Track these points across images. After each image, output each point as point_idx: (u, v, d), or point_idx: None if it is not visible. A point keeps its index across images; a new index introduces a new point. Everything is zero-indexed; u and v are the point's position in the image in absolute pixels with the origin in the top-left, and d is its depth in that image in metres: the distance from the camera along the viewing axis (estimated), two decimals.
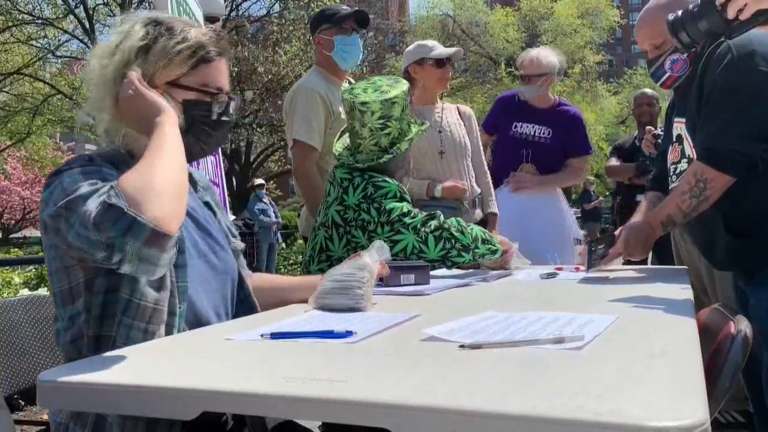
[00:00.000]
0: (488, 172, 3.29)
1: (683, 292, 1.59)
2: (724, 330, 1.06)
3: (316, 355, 0.97)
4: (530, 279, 2.02)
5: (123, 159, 1.28)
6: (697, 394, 0.70)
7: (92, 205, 1.04)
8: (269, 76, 16.81)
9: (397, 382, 0.80)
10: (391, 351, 1.00)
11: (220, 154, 3.85)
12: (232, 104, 1.41)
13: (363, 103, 2.13)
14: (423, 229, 2.00)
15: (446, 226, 2.01)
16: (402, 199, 2.07)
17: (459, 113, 3.25)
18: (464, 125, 3.21)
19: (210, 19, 7.93)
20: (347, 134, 2.26)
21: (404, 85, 2.21)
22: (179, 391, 0.80)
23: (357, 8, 3.10)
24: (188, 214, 1.39)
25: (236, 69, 16.68)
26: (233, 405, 0.78)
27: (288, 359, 0.96)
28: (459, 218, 2.10)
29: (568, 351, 0.91)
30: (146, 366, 0.95)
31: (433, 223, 2.02)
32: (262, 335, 1.09)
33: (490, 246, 2.07)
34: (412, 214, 2.03)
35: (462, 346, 0.95)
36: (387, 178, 2.10)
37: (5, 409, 0.82)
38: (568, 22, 30.22)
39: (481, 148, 3.31)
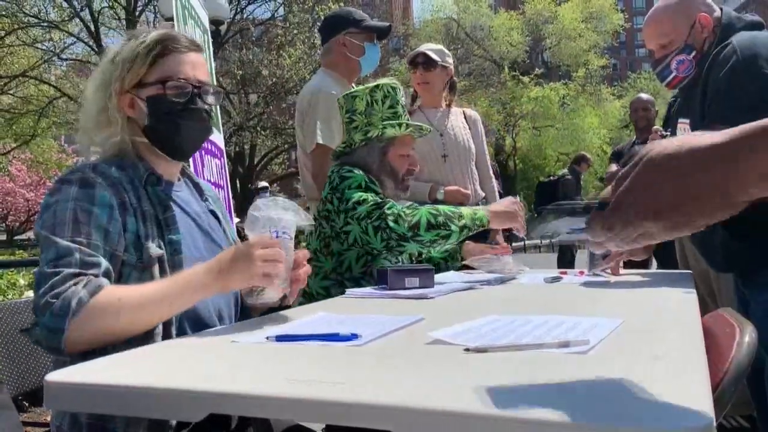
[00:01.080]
0: (493, 176, 3.29)
1: (688, 295, 1.59)
2: (729, 334, 1.06)
3: (320, 358, 0.98)
4: (534, 283, 2.02)
5: (131, 162, 1.38)
6: (703, 398, 0.70)
7: (50, 282, 1.15)
8: (273, 79, 16.86)
9: (401, 385, 0.80)
10: (396, 354, 1.00)
11: (225, 157, 3.85)
12: (207, 93, 1.43)
13: (337, 100, 2.26)
14: (365, 220, 1.98)
15: (384, 216, 1.95)
16: (366, 189, 2.04)
17: (465, 117, 3.26)
18: (470, 129, 3.22)
19: (214, 22, 7.95)
20: None
21: (378, 82, 2.22)
22: (186, 393, 0.80)
23: (385, 22, 3.14)
24: (192, 218, 1.43)
25: (240, 72, 16.74)
26: (239, 407, 0.78)
27: (293, 361, 0.97)
28: (403, 206, 2.02)
29: (573, 355, 0.92)
30: (153, 368, 0.95)
31: (376, 213, 1.97)
32: (267, 338, 1.10)
33: (438, 232, 1.95)
34: (365, 203, 2.00)
35: (467, 350, 0.95)
36: (354, 169, 2.09)
37: (13, 411, 0.83)
38: (572, 26, 30.23)
39: (487, 152, 3.31)
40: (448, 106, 3.25)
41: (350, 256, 2.09)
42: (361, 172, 2.09)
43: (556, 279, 2.04)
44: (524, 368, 0.86)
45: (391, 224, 1.94)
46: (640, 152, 0.70)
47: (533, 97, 27.61)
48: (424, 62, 3.14)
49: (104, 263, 1.21)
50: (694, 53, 1.94)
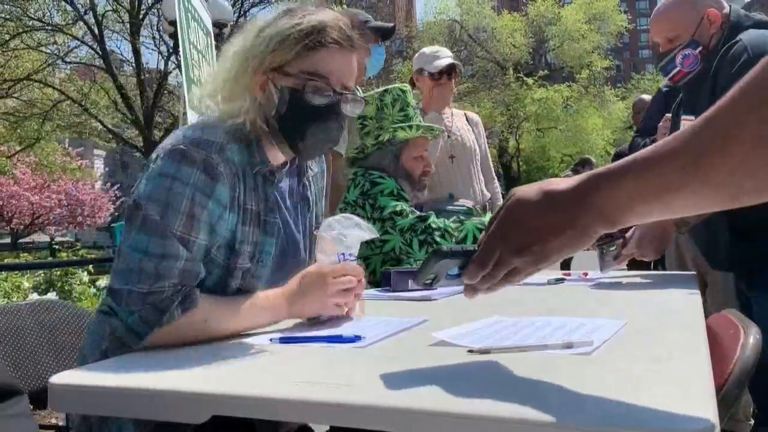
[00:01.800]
0: (495, 177, 3.29)
1: (692, 297, 1.58)
2: (733, 336, 1.06)
3: (324, 360, 0.98)
4: (538, 284, 2.02)
5: (253, 142, 1.26)
6: (706, 400, 0.70)
7: (148, 282, 1.11)
8: None
9: (404, 387, 0.80)
10: (400, 355, 1.00)
11: None
12: (346, 101, 1.27)
13: None
14: (408, 233, 2.02)
15: (431, 231, 2.01)
16: (399, 198, 2.09)
17: (467, 119, 3.27)
18: (472, 131, 3.22)
19: (218, 25, 7.98)
20: None
21: (388, 87, 2.24)
22: (190, 394, 0.81)
23: (389, 23, 3.13)
24: (282, 217, 1.35)
25: None
26: (243, 408, 0.78)
27: (297, 363, 0.97)
28: (447, 221, 2.08)
29: (576, 356, 0.91)
30: (156, 370, 0.95)
31: (420, 227, 2.02)
32: (271, 339, 1.10)
33: None
34: (404, 214, 2.05)
35: (471, 351, 0.95)
36: (384, 176, 2.13)
37: (31, 419, 0.82)
38: (575, 28, 30.20)
39: (489, 153, 3.31)
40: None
41: (376, 260, 2.12)
42: (390, 179, 2.13)
43: (559, 280, 2.03)
44: (528, 370, 0.86)
45: (438, 239, 2.01)
46: (506, 197, 0.81)
47: (537, 99, 27.59)
48: (455, 70, 3.17)
49: (201, 270, 1.18)
50: (700, 48, 1.94)
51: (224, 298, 1.21)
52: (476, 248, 0.82)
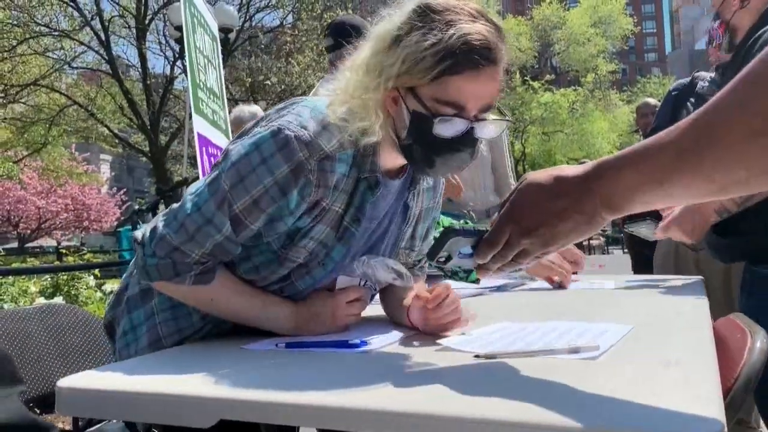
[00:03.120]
0: (512, 186, 3.26)
1: (698, 301, 1.58)
2: (740, 340, 1.06)
3: (330, 365, 0.98)
4: (544, 288, 2.01)
5: (366, 150, 1.19)
6: (713, 404, 0.69)
7: (180, 238, 1.14)
8: (282, 87, 16.93)
9: (410, 391, 0.80)
10: (405, 361, 1.00)
11: None
12: (484, 127, 1.14)
13: None
14: None
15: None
16: None
17: None
18: None
19: (224, 30, 8.02)
20: None
21: None
22: (197, 398, 0.81)
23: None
24: (367, 228, 1.27)
25: (249, 79, 16.82)
26: (250, 413, 0.78)
27: (303, 368, 0.97)
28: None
29: (582, 361, 0.91)
30: (164, 374, 0.96)
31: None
32: (277, 345, 1.10)
33: None
34: None
35: (477, 356, 0.95)
36: None
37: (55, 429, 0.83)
38: (580, 31, 30.21)
39: (508, 159, 3.26)
40: None
41: None
42: None
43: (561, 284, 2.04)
44: (533, 374, 0.85)
45: None
46: (519, 180, 0.84)
47: (542, 103, 27.58)
48: None
49: (236, 252, 1.18)
50: (719, 22, 1.93)
51: (240, 287, 1.22)
52: (488, 228, 0.84)
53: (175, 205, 1.18)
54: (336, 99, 1.18)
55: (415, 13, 1.11)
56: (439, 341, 1.07)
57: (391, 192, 1.28)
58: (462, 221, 2.19)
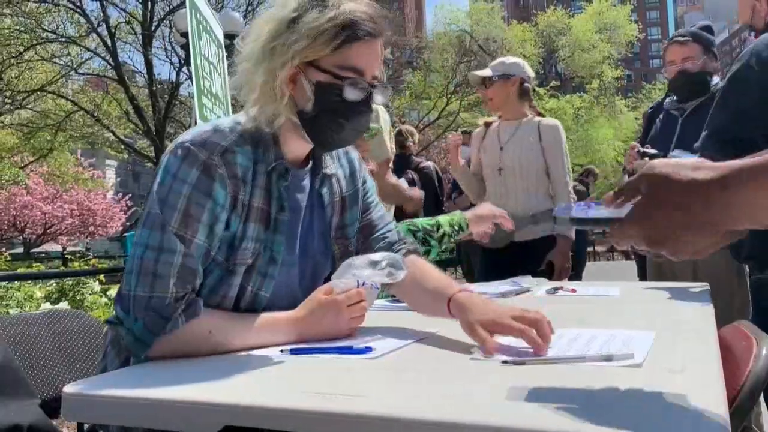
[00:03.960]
0: (571, 191, 3.23)
1: (704, 308, 1.58)
2: (746, 347, 1.05)
3: (335, 371, 0.98)
4: (547, 295, 2.01)
5: (266, 143, 1.26)
6: (718, 412, 0.69)
7: (149, 282, 1.13)
8: None
9: (415, 398, 0.80)
10: (411, 367, 1.00)
11: None
12: (378, 92, 1.27)
13: None
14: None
15: (411, 234, 2.00)
16: None
17: (540, 127, 3.24)
18: (541, 140, 3.21)
19: (229, 36, 8.04)
20: None
21: None
22: (202, 405, 0.81)
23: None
24: (294, 219, 1.33)
25: None
26: (255, 419, 0.78)
27: (308, 374, 0.97)
28: (421, 220, 2.07)
29: (588, 367, 0.91)
30: (169, 380, 0.96)
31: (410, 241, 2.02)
32: (282, 350, 1.10)
33: (452, 238, 2.08)
34: None
35: (505, 362, 0.95)
36: None
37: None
38: (585, 38, 30.20)
39: (566, 163, 3.24)
40: (531, 108, 3.32)
41: None
42: None
43: (556, 290, 2.05)
44: (537, 381, 0.85)
45: (420, 239, 2.00)
46: (647, 170, 0.76)
47: (547, 109, 27.57)
48: (481, 81, 3.25)
49: (199, 268, 1.18)
50: (753, 33, 1.94)
51: (230, 313, 1.22)
52: (607, 218, 0.80)
53: (126, 267, 1.18)
54: (243, 91, 1.26)
55: None
56: (472, 350, 1.06)
57: (303, 183, 1.34)
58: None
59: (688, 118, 2.85)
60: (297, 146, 1.31)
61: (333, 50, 1.20)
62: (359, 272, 1.25)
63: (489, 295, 1.95)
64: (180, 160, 1.18)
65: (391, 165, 3.08)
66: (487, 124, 3.40)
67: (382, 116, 2.94)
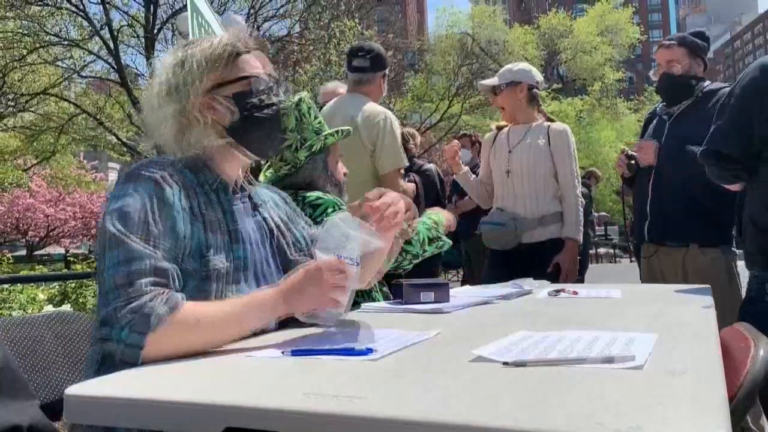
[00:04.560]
0: (579, 194, 3.24)
1: (705, 310, 1.58)
2: (744, 348, 1.06)
3: (336, 372, 0.98)
4: (549, 298, 2.01)
5: (201, 168, 1.39)
6: (719, 413, 0.69)
7: (124, 293, 1.14)
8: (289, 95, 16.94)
9: (416, 399, 0.81)
10: (411, 368, 1.00)
11: None
12: (280, 85, 1.47)
13: None
14: None
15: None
16: (339, 211, 2.00)
17: (549, 131, 3.27)
18: (549, 144, 3.23)
19: None
20: None
21: (297, 97, 2.14)
22: (204, 406, 0.81)
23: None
24: (248, 235, 1.43)
25: None
26: (256, 420, 0.79)
27: (308, 376, 0.97)
28: (405, 225, 2.06)
29: (589, 368, 0.91)
30: (171, 382, 0.96)
31: None
32: (282, 352, 1.11)
33: (437, 243, 2.08)
34: None
35: (506, 364, 0.95)
36: (321, 195, 2.04)
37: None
38: (587, 40, 30.21)
39: (575, 167, 3.26)
40: (540, 113, 3.38)
41: None
42: (327, 196, 2.06)
43: (558, 292, 2.05)
44: (539, 382, 0.86)
45: (405, 246, 1.98)
46: None
47: (549, 112, 27.53)
48: (491, 89, 3.31)
49: (174, 268, 1.20)
50: None
51: (215, 301, 1.24)
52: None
53: (99, 291, 1.20)
54: (153, 132, 1.40)
55: (178, 46, 1.45)
56: (474, 351, 1.05)
57: (241, 207, 1.46)
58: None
59: (674, 122, 2.90)
60: (229, 168, 1.44)
61: (229, 67, 1.40)
62: (352, 233, 1.29)
63: (491, 296, 1.96)
64: (129, 181, 1.27)
65: (402, 172, 3.12)
66: (499, 128, 3.44)
67: (394, 125, 2.97)
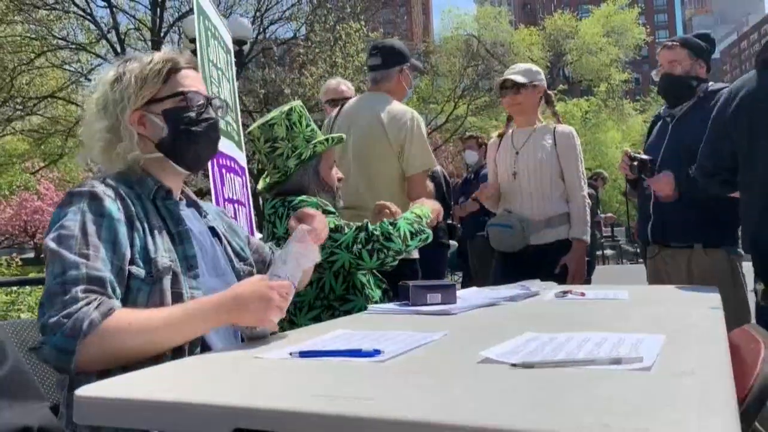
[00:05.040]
0: (586, 195, 3.25)
1: (713, 311, 1.57)
2: (754, 350, 1.05)
3: (344, 374, 0.98)
4: (557, 299, 2.01)
5: (139, 178, 1.43)
6: (728, 414, 0.69)
7: (59, 301, 1.16)
8: (295, 98, 16.99)
9: (424, 401, 0.81)
10: (418, 370, 1.00)
11: (247, 175, 3.90)
12: (214, 103, 1.51)
13: (249, 133, 2.20)
14: (355, 246, 1.99)
15: (376, 238, 1.99)
16: (326, 213, 2.05)
17: (555, 134, 3.28)
18: (556, 146, 3.24)
19: (238, 42, 8.07)
20: None
21: (288, 106, 2.21)
22: (212, 407, 0.82)
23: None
24: (195, 236, 1.46)
25: (263, 91, 16.93)
26: (265, 421, 0.79)
27: (316, 377, 0.98)
28: (386, 223, 2.05)
29: (597, 370, 0.91)
30: (179, 383, 0.97)
31: (362, 236, 2.00)
32: (291, 353, 1.11)
33: (420, 237, 2.07)
34: (341, 230, 2.02)
35: (514, 365, 0.95)
36: (304, 197, 2.10)
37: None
38: (593, 41, 30.15)
39: (581, 169, 3.28)
40: (554, 115, 3.40)
41: (328, 277, 2.11)
42: (311, 198, 2.12)
43: (565, 293, 2.05)
44: (548, 383, 0.86)
45: (386, 243, 1.99)
46: None
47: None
48: (512, 86, 3.27)
49: (110, 278, 1.23)
50: None
51: (154, 308, 1.26)
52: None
53: (39, 306, 1.22)
54: (87, 144, 1.46)
55: (115, 64, 1.48)
56: (481, 353, 1.05)
57: (188, 213, 1.50)
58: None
59: (677, 123, 2.90)
60: (166, 178, 1.46)
61: (163, 82, 1.43)
62: (280, 270, 1.32)
63: (498, 298, 1.95)
64: (66, 203, 1.30)
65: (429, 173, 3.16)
66: (501, 136, 3.45)
67: (421, 125, 2.98)
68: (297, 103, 2.27)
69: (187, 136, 1.45)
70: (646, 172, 2.87)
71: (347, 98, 3.51)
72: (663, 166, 2.83)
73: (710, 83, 2.90)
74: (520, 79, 3.25)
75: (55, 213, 1.30)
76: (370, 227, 2.01)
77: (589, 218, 3.21)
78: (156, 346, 1.20)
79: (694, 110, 2.84)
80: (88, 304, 1.16)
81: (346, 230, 2.02)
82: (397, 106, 3.00)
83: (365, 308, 1.99)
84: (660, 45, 3.03)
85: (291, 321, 2.09)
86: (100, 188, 1.32)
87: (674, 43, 2.91)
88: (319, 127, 2.41)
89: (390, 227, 2.02)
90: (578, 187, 3.22)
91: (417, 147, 2.90)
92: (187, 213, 1.50)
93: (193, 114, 1.45)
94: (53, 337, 1.14)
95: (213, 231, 1.55)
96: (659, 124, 3.05)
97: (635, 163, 2.91)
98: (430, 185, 3.23)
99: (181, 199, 1.53)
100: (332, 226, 1.99)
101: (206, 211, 1.59)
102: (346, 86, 4.17)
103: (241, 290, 1.26)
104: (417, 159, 2.91)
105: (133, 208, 1.34)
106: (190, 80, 1.48)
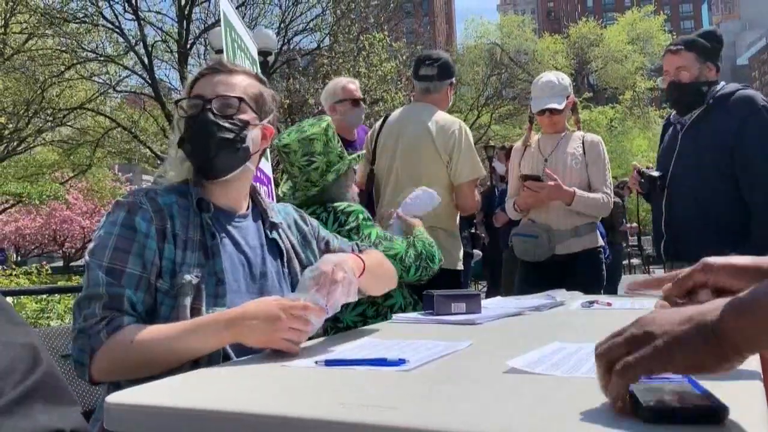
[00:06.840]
0: (611, 198, 3.27)
1: None
2: None
3: (369, 382, 0.99)
4: (582, 309, 1.99)
5: (184, 189, 1.47)
6: (760, 426, 0.68)
7: (82, 314, 1.28)
8: (319, 108, 17.09)
9: (449, 410, 0.81)
10: (443, 379, 1.00)
11: (272, 184, 3.93)
12: (225, 106, 1.45)
13: (285, 146, 2.27)
14: (406, 259, 2.12)
15: (423, 255, 2.15)
16: (366, 221, 2.19)
17: (583, 142, 3.29)
18: (585, 155, 3.24)
19: (263, 53, 8.16)
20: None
21: (324, 122, 2.29)
22: (239, 415, 0.82)
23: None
24: (241, 251, 1.46)
25: (288, 101, 17.05)
26: (291, 430, 0.79)
27: (342, 386, 0.98)
28: (429, 243, 2.22)
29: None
30: (207, 391, 0.98)
31: (412, 252, 2.14)
32: (316, 362, 1.11)
33: (423, 274, 2.19)
34: (389, 239, 2.15)
35: (540, 373, 0.94)
36: (350, 203, 2.27)
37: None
38: (618, 48, 29.93)
39: (608, 177, 3.27)
40: (576, 123, 3.43)
41: None
42: (355, 204, 2.27)
43: (591, 303, 2.03)
44: (581, 394, 0.85)
45: (430, 264, 2.17)
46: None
47: (581, 121, 27.34)
48: (553, 111, 3.27)
49: (130, 294, 1.29)
50: None
51: (162, 324, 1.29)
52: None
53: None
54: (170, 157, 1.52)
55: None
56: (508, 363, 1.05)
57: (245, 225, 1.50)
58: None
59: (687, 132, 2.78)
60: (207, 190, 1.47)
61: (189, 91, 1.49)
62: (302, 293, 1.24)
63: (523, 307, 1.94)
64: (110, 213, 1.38)
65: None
66: (526, 144, 3.44)
67: (468, 134, 3.03)
68: (329, 118, 2.37)
69: (184, 143, 1.47)
70: (654, 189, 2.80)
71: (358, 99, 3.49)
72: (674, 180, 2.76)
73: (721, 84, 2.76)
74: (557, 106, 3.23)
75: (100, 222, 1.39)
76: (418, 246, 2.17)
77: (595, 209, 3.19)
78: (156, 363, 1.22)
79: (706, 117, 2.71)
80: (101, 320, 1.26)
81: (398, 243, 2.14)
82: (445, 116, 3.05)
83: (403, 306, 2.17)
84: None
85: (336, 319, 2.17)
86: (139, 200, 1.37)
87: (679, 47, 2.74)
88: None
89: (433, 249, 2.20)
90: (606, 196, 3.21)
91: (465, 156, 2.93)
92: (246, 226, 1.50)
93: (186, 119, 1.47)
94: (73, 349, 1.28)
95: (273, 245, 1.54)
96: (670, 130, 2.94)
97: (643, 180, 2.85)
98: (477, 194, 3.23)
99: (247, 208, 1.55)
100: (382, 235, 2.16)
101: (278, 222, 1.58)
102: (354, 85, 4.10)
103: (249, 308, 1.23)
104: (465, 168, 2.93)
105: (169, 222, 1.37)
106: (203, 85, 1.48)
